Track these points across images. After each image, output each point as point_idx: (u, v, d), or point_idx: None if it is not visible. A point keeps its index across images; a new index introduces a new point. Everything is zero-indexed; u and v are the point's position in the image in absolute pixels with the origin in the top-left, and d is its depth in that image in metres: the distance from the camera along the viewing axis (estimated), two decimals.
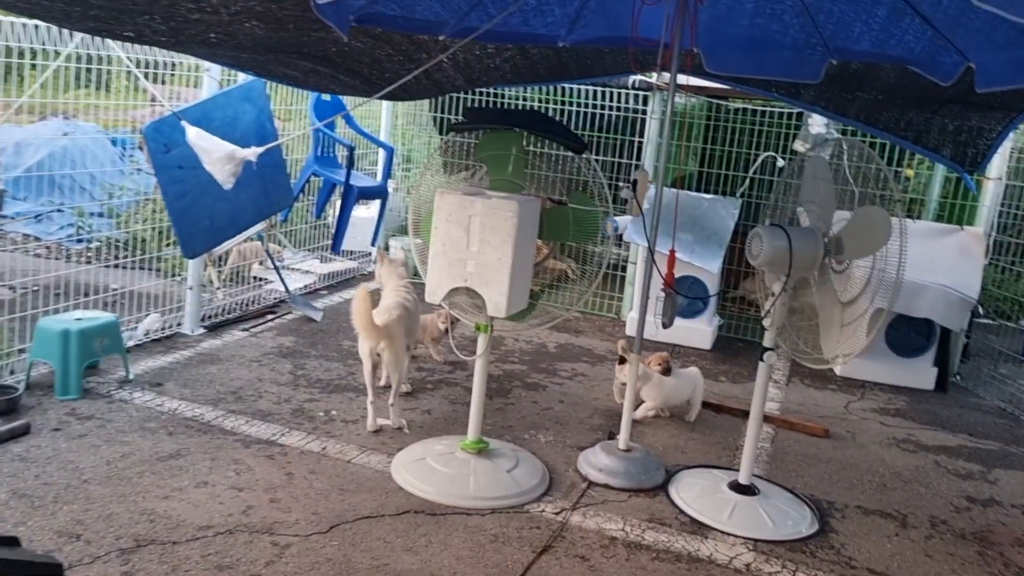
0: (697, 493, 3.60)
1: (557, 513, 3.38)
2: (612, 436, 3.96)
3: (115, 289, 5.64)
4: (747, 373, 5.51)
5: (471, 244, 3.31)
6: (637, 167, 4.36)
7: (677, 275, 3.59)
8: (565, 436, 4.16)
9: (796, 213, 4.06)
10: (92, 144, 7.18)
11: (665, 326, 3.59)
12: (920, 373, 5.50)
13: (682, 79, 3.49)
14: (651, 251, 3.47)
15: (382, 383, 4.24)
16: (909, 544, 3.42)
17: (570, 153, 3.63)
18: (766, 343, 3.56)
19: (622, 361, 4.33)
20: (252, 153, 3.81)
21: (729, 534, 3.34)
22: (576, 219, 3.53)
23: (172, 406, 4.02)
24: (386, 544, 3.01)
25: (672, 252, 3.62)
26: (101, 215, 7.03)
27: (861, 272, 3.33)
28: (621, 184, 3.42)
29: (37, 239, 6.76)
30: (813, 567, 3.16)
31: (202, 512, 3.09)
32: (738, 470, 3.69)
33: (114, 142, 7.57)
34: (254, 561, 2.82)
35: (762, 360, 3.52)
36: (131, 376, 4.30)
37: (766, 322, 3.55)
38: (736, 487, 3.60)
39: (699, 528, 3.37)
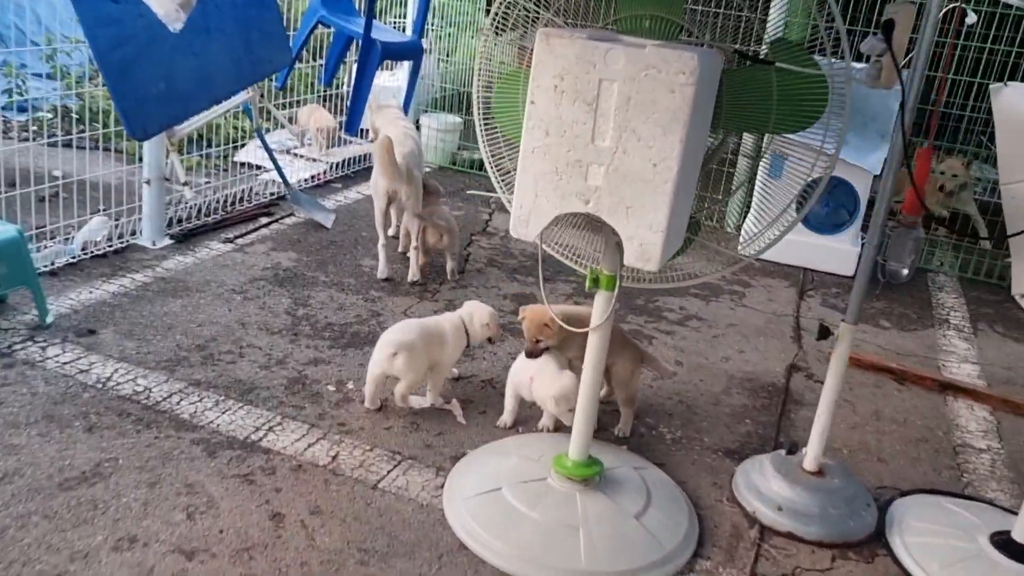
0: (942, 555, 2.21)
1: None
2: (789, 448, 2.47)
3: (56, 177, 4.17)
4: (914, 315, 4.02)
5: (600, 135, 1.78)
6: None
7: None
8: (698, 428, 2.76)
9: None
10: None
11: (897, 278, 2.12)
12: None
13: None
14: (905, 147, 1.93)
15: (391, 232, 3.83)
16: None
17: None
18: (1015, 289, 2.18)
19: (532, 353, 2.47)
20: None
21: None
22: (783, 91, 1.96)
23: (103, 372, 2.63)
24: None
25: (928, 149, 2.09)
26: (51, 76, 5.44)
27: None
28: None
29: None
30: None
31: None
32: (976, 497, 2.31)
33: None
34: None
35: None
36: (48, 319, 2.89)
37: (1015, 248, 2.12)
38: (1007, 547, 2.20)
39: None
